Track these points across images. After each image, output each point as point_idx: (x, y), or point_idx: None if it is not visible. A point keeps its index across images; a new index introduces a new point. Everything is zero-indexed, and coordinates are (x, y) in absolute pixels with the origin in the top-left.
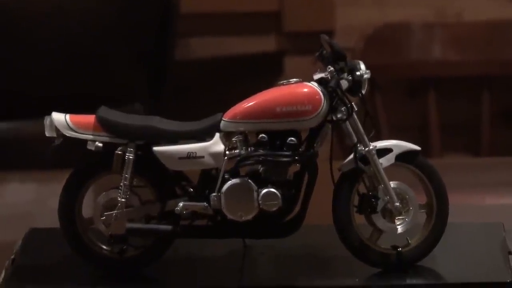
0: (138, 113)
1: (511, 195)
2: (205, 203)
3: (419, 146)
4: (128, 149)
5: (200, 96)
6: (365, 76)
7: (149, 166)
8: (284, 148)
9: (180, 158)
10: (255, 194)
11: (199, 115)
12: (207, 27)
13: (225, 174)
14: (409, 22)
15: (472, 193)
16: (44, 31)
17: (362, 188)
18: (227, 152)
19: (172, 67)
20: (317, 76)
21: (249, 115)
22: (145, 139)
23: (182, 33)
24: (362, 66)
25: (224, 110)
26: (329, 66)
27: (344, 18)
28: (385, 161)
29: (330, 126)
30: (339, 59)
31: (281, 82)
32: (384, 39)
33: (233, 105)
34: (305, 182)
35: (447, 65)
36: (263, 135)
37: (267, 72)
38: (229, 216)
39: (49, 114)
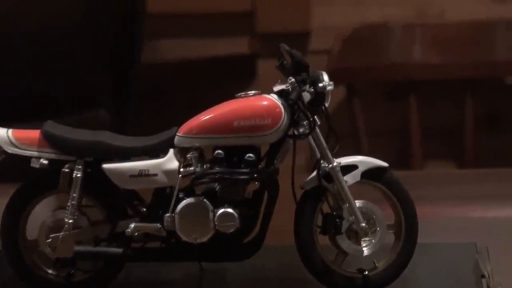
0: (103, 120)
1: (494, 208)
2: (158, 224)
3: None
4: (76, 166)
5: (169, 101)
6: (328, 87)
7: (98, 184)
8: (242, 165)
9: (132, 176)
10: (211, 214)
11: (167, 121)
12: (176, 28)
13: (180, 193)
14: (388, 22)
15: (453, 206)
16: (4, 33)
17: (326, 208)
18: (181, 170)
19: (139, 70)
20: (277, 88)
21: (205, 130)
22: (94, 156)
23: (150, 34)
24: (325, 77)
25: (191, 114)
26: (290, 77)
27: (320, 18)
28: (350, 179)
29: (291, 141)
30: (300, 70)
31: (239, 94)
32: (362, 40)
33: (192, 116)
34: (265, 201)
35: (429, 68)
36: (220, 151)
37: (240, 75)
38: (184, 237)
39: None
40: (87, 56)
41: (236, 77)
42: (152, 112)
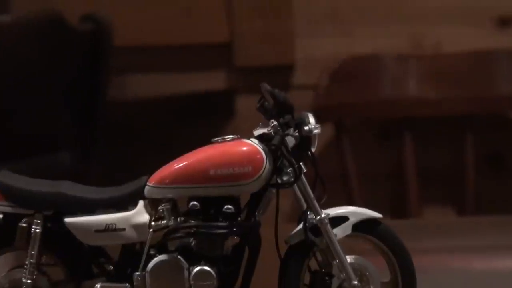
0: (62, 163)
1: (497, 260)
2: (127, 284)
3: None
4: (35, 220)
5: (139, 143)
6: (315, 131)
7: (59, 240)
8: (220, 218)
9: (97, 231)
10: (186, 272)
11: (137, 166)
12: (145, 62)
13: (151, 249)
14: (380, 54)
15: (454, 258)
16: None
17: (313, 264)
18: (152, 223)
19: (106, 109)
20: (258, 131)
21: (178, 179)
22: (55, 209)
23: (117, 69)
24: (311, 120)
25: (167, 157)
26: (272, 120)
27: (305, 50)
28: (340, 232)
29: (274, 191)
30: (283, 112)
31: (216, 139)
32: (352, 73)
33: (163, 165)
34: (245, 257)
35: (424, 103)
36: (195, 202)
37: (216, 113)
38: None
39: None
40: (45, 92)
41: (212, 115)
42: (120, 155)
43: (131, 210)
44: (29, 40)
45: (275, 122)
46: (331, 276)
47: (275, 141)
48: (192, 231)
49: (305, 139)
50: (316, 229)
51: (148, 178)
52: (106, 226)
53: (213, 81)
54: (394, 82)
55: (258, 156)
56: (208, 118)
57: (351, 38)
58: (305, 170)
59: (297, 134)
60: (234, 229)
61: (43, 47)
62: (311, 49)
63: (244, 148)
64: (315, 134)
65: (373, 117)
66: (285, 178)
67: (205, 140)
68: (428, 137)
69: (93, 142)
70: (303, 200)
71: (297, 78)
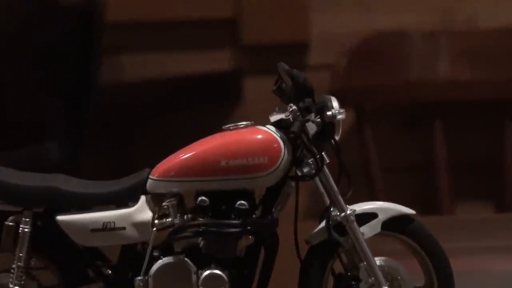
0: (50, 155)
1: None
2: None
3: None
4: (23, 219)
5: (136, 132)
6: (339, 116)
7: (51, 241)
8: (232, 215)
9: (94, 230)
10: (194, 277)
11: (135, 159)
12: (141, 40)
13: (154, 250)
14: (406, 30)
15: (492, 258)
16: None
17: (338, 267)
18: (156, 221)
19: (97, 93)
20: (274, 117)
21: (185, 171)
22: (46, 205)
23: (110, 49)
24: (335, 104)
25: (165, 150)
26: (291, 105)
27: (321, 26)
28: (368, 230)
29: (293, 184)
30: (303, 95)
31: (227, 126)
32: (374, 52)
33: (166, 156)
34: (261, 259)
35: (457, 86)
36: (204, 197)
37: (221, 97)
38: None
39: None
40: (29, 73)
41: (217, 100)
42: (117, 145)
43: (131, 206)
44: (13, 15)
45: (294, 107)
46: (358, 280)
47: (294, 128)
48: (201, 230)
49: (328, 126)
50: (340, 228)
51: (151, 170)
52: (103, 224)
53: (218, 61)
54: (422, 62)
55: (275, 145)
56: (214, 102)
57: (373, 13)
58: (327, 161)
59: (319, 120)
60: (248, 227)
61: (27, 22)
62: (328, 25)
63: (259, 136)
64: (339, 120)
65: (398, 102)
66: (305, 170)
67: (211, 128)
68: (461, 124)
69: (85, 130)
70: (325, 195)
71: (312, 58)
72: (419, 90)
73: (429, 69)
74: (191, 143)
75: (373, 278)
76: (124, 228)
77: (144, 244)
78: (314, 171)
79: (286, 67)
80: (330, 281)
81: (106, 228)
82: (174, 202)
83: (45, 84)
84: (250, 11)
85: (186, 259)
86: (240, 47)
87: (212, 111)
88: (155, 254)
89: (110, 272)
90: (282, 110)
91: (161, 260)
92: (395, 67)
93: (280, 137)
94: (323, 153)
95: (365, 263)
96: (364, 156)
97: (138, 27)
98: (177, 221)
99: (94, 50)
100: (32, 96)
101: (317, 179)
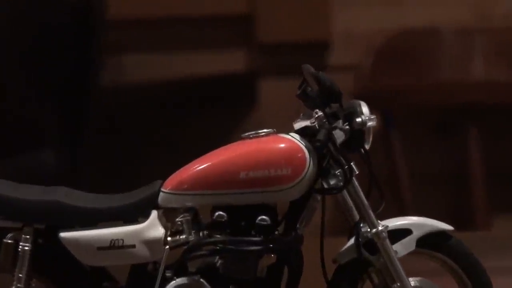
0: (46, 165)
1: None
2: None
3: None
4: (23, 236)
5: (143, 139)
6: (369, 123)
7: (53, 260)
8: (253, 232)
9: (100, 248)
10: None
11: (144, 170)
12: (147, 38)
13: (167, 271)
14: (437, 26)
15: None
16: None
17: None
18: (169, 239)
19: (98, 96)
20: (299, 124)
21: (201, 184)
22: (48, 221)
23: (111, 48)
24: (364, 109)
25: (178, 160)
26: (317, 110)
27: (344, 22)
28: (401, 248)
29: (319, 198)
30: (330, 100)
31: (247, 134)
32: (402, 52)
33: (178, 168)
34: (284, 280)
35: (493, 88)
36: (221, 212)
37: (234, 102)
38: None
39: None
40: (25, 75)
41: (230, 105)
42: (123, 155)
43: (141, 222)
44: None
45: (320, 113)
46: None
47: (320, 136)
48: (218, 248)
49: (357, 134)
50: (371, 245)
51: (163, 183)
52: (111, 242)
53: (231, 62)
54: (454, 62)
55: (300, 155)
56: (226, 108)
57: (401, 8)
58: (357, 172)
59: (347, 127)
60: (270, 245)
61: (23, 19)
62: (352, 22)
63: (282, 145)
64: (369, 127)
65: (428, 105)
66: (332, 182)
67: (224, 135)
68: (497, 129)
69: (86, 137)
70: (355, 209)
71: (334, 58)
72: (452, 93)
73: (462, 70)
74: (204, 152)
75: None
76: (133, 246)
77: (156, 263)
78: (342, 183)
79: (312, 69)
80: None
81: (114, 246)
82: (189, 217)
83: (38, 86)
84: (266, 6)
85: (201, 280)
86: (255, 46)
87: (225, 117)
88: (168, 274)
89: None
90: (307, 116)
91: (174, 282)
92: (425, 67)
93: (305, 146)
94: (352, 163)
95: (398, 284)
96: (391, 165)
97: (143, 24)
98: (191, 238)
99: (94, 50)
100: (24, 100)
101: (345, 192)
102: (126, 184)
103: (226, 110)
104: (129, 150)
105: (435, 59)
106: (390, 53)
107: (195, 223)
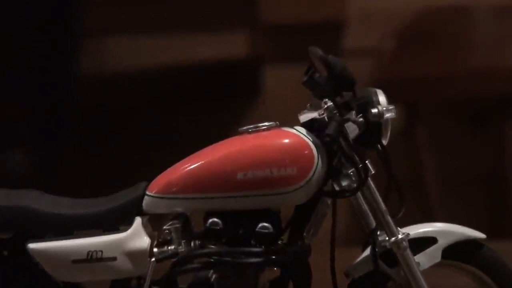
0: (18, 164)
1: None
2: None
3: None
4: None
5: (127, 135)
6: (387, 114)
7: (21, 275)
8: (252, 241)
9: (76, 261)
10: None
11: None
12: (135, 19)
13: (153, 287)
14: (469, 5)
15: None
16: None
17: None
18: (155, 250)
19: (78, 88)
20: (305, 116)
21: (192, 186)
22: (15, 230)
23: (93, 31)
24: (382, 98)
25: (166, 159)
26: (326, 100)
27: (361, 0)
28: (425, 260)
29: (329, 202)
30: (342, 88)
31: (245, 128)
32: (428, 34)
33: (167, 168)
34: None
35: None
36: (216, 219)
37: (235, 91)
38: None
39: None
40: None
41: (230, 95)
42: (103, 154)
43: (123, 231)
44: None
45: (330, 103)
46: None
47: (330, 129)
48: (212, 260)
49: (373, 127)
50: (390, 256)
51: (148, 184)
52: (88, 254)
53: (231, 46)
54: (490, 46)
55: (306, 152)
56: (226, 97)
57: None
58: (373, 172)
59: (361, 119)
60: (273, 257)
61: None
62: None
63: (286, 141)
64: (387, 119)
65: (460, 96)
66: (344, 183)
67: (223, 129)
68: None
69: (62, 134)
70: (370, 214)
71: (350, 41)
72: (487, 82)
73: (499, 54)
74: (198, 149)
75: None
76: (114, 259)
77: (140, 278)
78: (355, 185)
79: (320, 52)
80: None
81: (92, 258)
82: (178, 225)
83: (6, 75)
84: None
85: None
86: (259, 28)
87: (224, 108)
88: None
89: None
90: (315, 107)
91: None
92: (455, 52)
93: (313, 142)
94: (367, 161)
95: None
96: (417, 164)
97: (130, 3)
98: (181, 249)
99: (72, 33)
100: None
101: (359, 194)
102: (107, 187)
103: (223, 101)
104: (112, 148)
105: (467, 42)
106: (415, 36)
107: (186, 231)
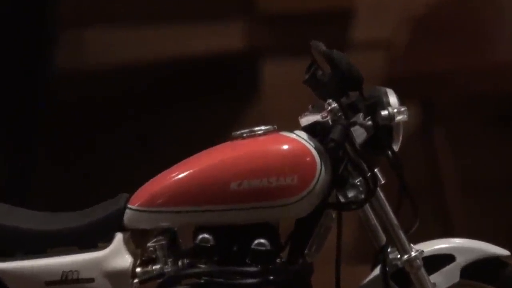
0: None
1: None
2: None
3: None
4: None
5: (108, 139)
6: (398, 117)
7: None
8: (248, 260)
9: (49, 283)
10: None
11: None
12: (118, 8)
13: None
14: None
15: None
16: None
17: None
18: (138, 270)
19: (52, 85)
20: (307, 119)
21: (179, 198)
22: None
23: (71, 20)
24: (393, 99)
25: (151, 168)
26: (330, 101)
27: None
28: (442, 280)
29: (334, 215)
30: (348, 87)
31: (239, 133)
32: (447, 23)
33: (153, 177)
34: None
35: None
36: (206, 235)
37: (229, 88)
38: None
39: None
40: None
41: (223, 92)
42: (80, 161)
43: (102, 248)
44: None
45: (334, 104)
46: None
47: (335, 134)
48: (203, 281)
49: (383, 131)
50: (402, 276)
51: (130, 197)
52: (63, 275)
53: (223, 38)
54: None
55: (308, 159)
56: (219, 95)
57: None
58: (382, 181)
59: (369, 122)
60: (271, 277)
61: None
62: None
63: (285, 147)
64: (398, 123)
65: (484, 92)
66: (351, 195)
67: (215, 133)
68: None
69: (34, 138)
70: (380, 229)
71: (358, 32)
72: None
73: None
74: (187, 154)
75: None
76: (92, 280)
77: None
78: (363, 196)
79: (323, 47)
80: None
81: (67, 279)
82: (164, 241)
83: None
84: None
85: None
86: (256, 18)
87: (217, 108)
88: None
89: None
90: (318, 108)
91: None
92: (478, 43)
93: (315, 148)
94: (376, 170)
95: None
96: (434, 171)
97: None
98: (168, 268)
99: (47, 24)
100: None
101: (367, 207)
102: (85, 199)
103: (216, 99)
104: (91, 154)
105: (491, 34)
106: (432, 25)
107: (173, 249)
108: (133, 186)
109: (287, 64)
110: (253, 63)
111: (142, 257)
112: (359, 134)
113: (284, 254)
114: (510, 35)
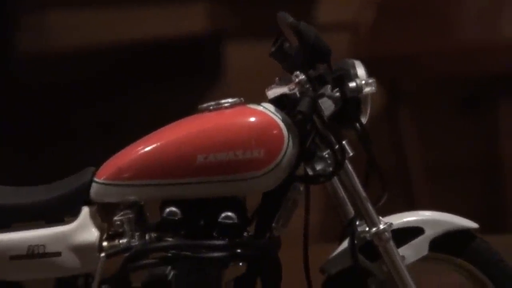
0: None
1: None
2: None
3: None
4: None
5: (73, 117)
6: (367, 89)
7: None
8: (215, 233)
9: (15, 257)
10: None
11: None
12: None
13: (103, 285)
14: None
15: None
16: None
17: None
18: (105, 244)
19: (16, 68)
20: (274, 91)
21: (146, 172)
22: None
23: (34, 4)
24: (360, 71)
25: (116, 142)
26: (297, 73)
27: None
28: (411, 253)
29: (301, 188)
30: (315, 59)
31: (206, 105)
32: (414, 5)
33: (118, 149)
34: None
35: None
36: (174, 208)
37: (194, 66)
38: None
39: None
40: None
41: (189, 71)
42: (46, 137)
43: (69, 222)
44: None
45: (301, 76)
46: None
47: (303, 106)
48: (170, 255)
49: (351, 103)
50: (371, 249)
51: (96, 170)
52: (29, 249)
53: (189, 17)
54: (482, 19)
55: (275, 132)
56: (185, 74)
57: None
58: (351, 154)
59: (337, 94)
60: (238, 250)
61: None
62: None
63: (252, 119)
64: (366, 94)
65: (449, 74)
66: (319, 167)
67: (181, 108)
68: None
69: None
70: (348, 202)
71: (324, 12)
72: (479, 58)
73: (493, 28)
74: (153, 130)
75: None
76: (58, 254)
77: (88, 276)
78: (331, 169)
79: (291, 19)
80: None
81: (33, 254)
82: (131, 215)
83: None
84: None
85: None
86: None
87: (183, 85)
88: None
89: None
90: (285, 81)
91: None
92: (444, 26)
93: (282, 120)
94: (344, 142)
95: None
96: (401, 150)
97: None
98: (135, 242)
99: (8, 6)
100: None
101: (336, 179)
102: (51, 173)
103: (184, 77)
104: (56, 131)
105: (457, 16)
106: (398, 6)
107: (139, 223)
108: (99, 159)
109: (251, 42)
110: (217, 42)
111: (109, 231)
112: (327, 107)
113: (251, 228)
114: (475, 16)
